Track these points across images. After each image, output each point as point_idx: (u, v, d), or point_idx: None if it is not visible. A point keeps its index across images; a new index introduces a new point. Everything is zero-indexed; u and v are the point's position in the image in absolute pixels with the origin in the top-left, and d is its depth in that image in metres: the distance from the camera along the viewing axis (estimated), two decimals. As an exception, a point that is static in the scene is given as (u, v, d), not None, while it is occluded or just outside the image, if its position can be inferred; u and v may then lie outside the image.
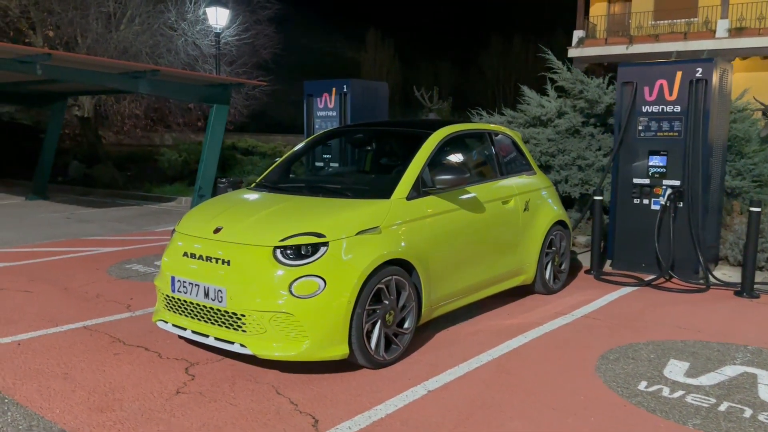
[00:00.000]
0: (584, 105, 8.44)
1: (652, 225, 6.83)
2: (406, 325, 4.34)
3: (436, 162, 4.87)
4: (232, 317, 3.95)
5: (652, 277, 6.67)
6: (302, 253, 3.94)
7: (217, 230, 4.21)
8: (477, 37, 66.04)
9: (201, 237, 4.25)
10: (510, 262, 5.45)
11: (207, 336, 4.06)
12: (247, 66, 17.80)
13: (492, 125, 5.85)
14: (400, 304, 4.28)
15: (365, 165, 6.03)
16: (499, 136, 5.75)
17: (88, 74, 9.52)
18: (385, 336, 4.17)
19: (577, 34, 24.52)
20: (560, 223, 6.08)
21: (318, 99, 9.61)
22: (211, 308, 4.02)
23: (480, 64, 60.87)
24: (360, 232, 4.08)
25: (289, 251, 3.94)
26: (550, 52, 9.29)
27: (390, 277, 4.15)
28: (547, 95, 9.64)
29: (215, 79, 10.57)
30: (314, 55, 57.78)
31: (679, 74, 6.61)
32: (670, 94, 6.67)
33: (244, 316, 3.89)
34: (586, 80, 8.50)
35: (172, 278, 4.23)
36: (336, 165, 9.23)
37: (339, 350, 3.92)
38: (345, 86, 9.24)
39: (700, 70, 6.47)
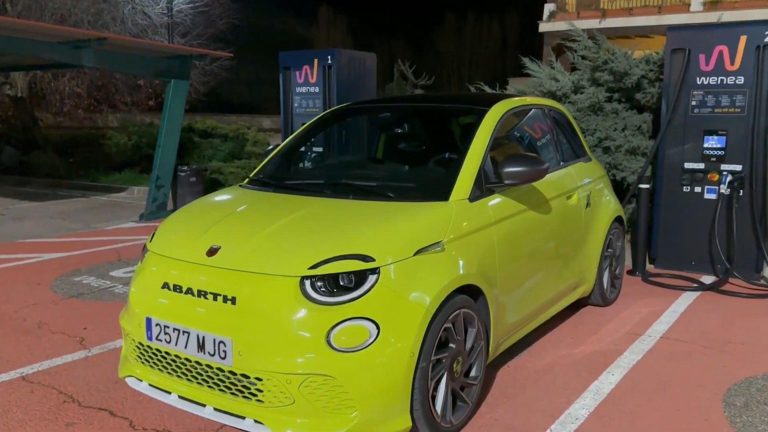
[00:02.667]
0: (608, 78, 7.38)
1: (705, 217, 5.86)
2: (473, 373, 3.20)
3: (495, 149, 3.69)
4: (241, 381, 2.72)
5: (714, 279, 5.71)
6: (342, 284, 2.73)
7: (212, 252, 2.95)
8: (431, 15, 64.83)
9: (188, 261, 2.99)
10: (572, 273, 4.36)
11: (203, 405, 2.82)
12: (202, 38, 16.06)
13: (544, 99, 4.69)
14: (468, 345, 3.13)
15: (376, 151, 4.81)
16: (554, 112, 4.61)
17: (19, 43, 7.92)
18: (452, 391, 3.02)
19: (548, 7, 23.54)
20: (618, 220, 5.02)
21: (297, 72, 8.29)
22: (209, 366, 2.78)
23: (434, 41, 59.65)
24: (419, 251, 2.89)
25: (322, 283, 2.72)
26: (573, 23, 8.20)
27: (458, 311, 2.99)
28: (552, 67, 8.63)
29: (173, 50, 9.09)
30: (264, 33, 55.52)
31: (742, 39, 5.59)
32: (732, 63, 5.65)
33: (260, 380, 2.67)
34: (612, 49, 7.44)
35: (148, 320, 2.96)
36: (320, 150, 7.97)
37: (400, 423, 2.75)
38: (329, 57, 7.95)
39: (769, 33, 5.47)
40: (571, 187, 4.31)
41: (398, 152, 4.33)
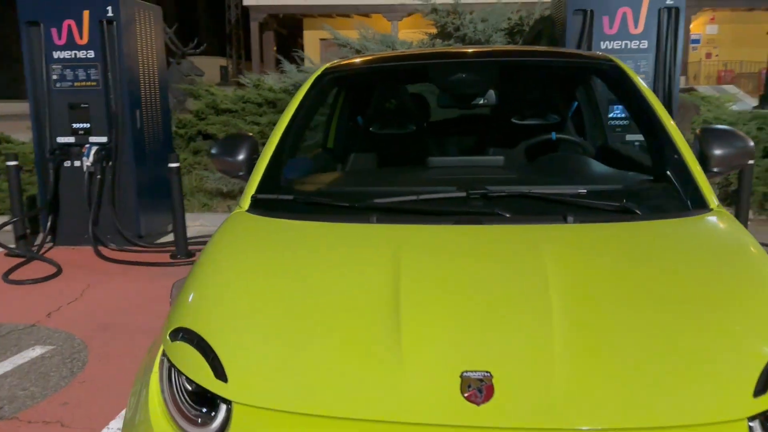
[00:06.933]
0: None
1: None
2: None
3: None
4: None
5: None
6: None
7: (476, 389, 1.20)
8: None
9: (410, 423, 1.18)
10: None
11: None
12: None
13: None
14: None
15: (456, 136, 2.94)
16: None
17: None
18: None
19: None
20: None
21: (53, 30, 5.65)
22: None
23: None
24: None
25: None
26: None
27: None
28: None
29: None
30: None
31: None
32: (636, 27, 5.30)
33: None
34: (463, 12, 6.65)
35: None
36: (102, 140, 5.67)
37: None
38: (110, 8, 5.55)
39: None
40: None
41: (508, 133, 2.70)
